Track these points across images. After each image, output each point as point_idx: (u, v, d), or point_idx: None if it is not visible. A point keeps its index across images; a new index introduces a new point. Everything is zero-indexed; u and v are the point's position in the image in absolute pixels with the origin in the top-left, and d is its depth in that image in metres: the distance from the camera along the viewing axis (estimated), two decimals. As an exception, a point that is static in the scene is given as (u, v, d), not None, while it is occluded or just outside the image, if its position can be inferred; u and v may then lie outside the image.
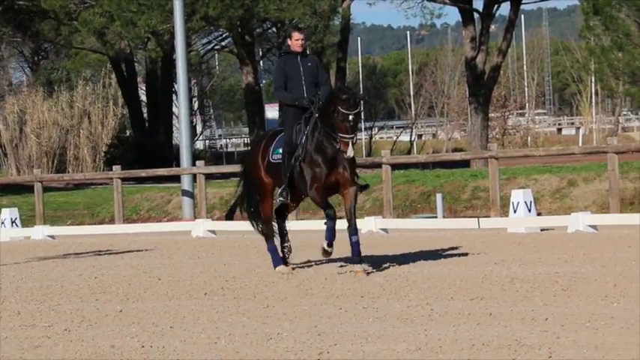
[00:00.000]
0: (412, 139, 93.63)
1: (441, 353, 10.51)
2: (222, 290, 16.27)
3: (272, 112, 77.30)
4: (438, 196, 33.94)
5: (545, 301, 13.61)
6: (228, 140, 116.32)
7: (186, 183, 35.82)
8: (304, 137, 17.22)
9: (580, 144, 71.31)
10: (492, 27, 58.53)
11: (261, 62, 73.88)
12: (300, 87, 17.51)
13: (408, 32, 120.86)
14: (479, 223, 27.94)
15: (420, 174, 42.01)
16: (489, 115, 59.49)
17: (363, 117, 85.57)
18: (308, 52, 18.49)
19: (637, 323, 11.42)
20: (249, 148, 22.71)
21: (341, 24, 55.30)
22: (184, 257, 23.17)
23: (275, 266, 18.20)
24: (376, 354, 10.55)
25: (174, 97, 67.49)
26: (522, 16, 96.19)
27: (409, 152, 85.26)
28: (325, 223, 17.29)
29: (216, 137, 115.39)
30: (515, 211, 27.14)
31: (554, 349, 10.36)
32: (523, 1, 56.38)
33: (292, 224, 20.84)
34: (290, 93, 17.55)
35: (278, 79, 17.80)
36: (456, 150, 74.68)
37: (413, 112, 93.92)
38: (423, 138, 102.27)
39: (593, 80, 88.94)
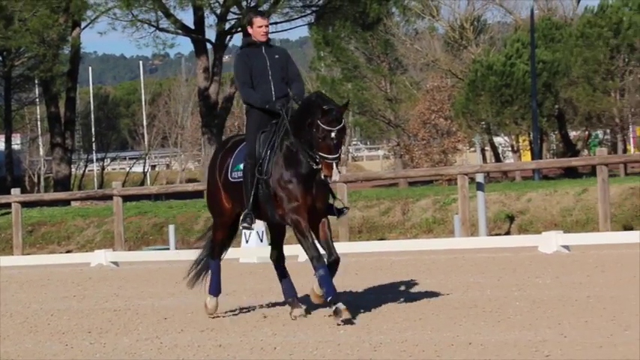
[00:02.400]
0: (145, 170, 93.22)
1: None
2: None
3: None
4: (170, 228, 33.87)
5: (274, 330, 13.68)
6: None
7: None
8: (271, 147, 13.84)
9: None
10: (225, 57, 58.67)
11: None
12: (267, 84, 14.08)
13: (140, 62, 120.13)
14: (211, 253, 27.95)
15: (153, 205, 41.91)
16: (223, 145, 59.75)
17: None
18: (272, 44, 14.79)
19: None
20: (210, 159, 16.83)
21: (70, 53, 54.67)
22: None
23: (209, 292, 15.22)
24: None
25: None
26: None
27: (142, 183, 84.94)
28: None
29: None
30: (247, 242, 27.28)
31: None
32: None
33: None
34: (255, 91, 14.13)
35: (242, 74, 14.16)
36: (189, 181, 74.67)
37: (146, 142, 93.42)
38: (157, 169, 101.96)
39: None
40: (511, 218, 34.54)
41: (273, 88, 14.12)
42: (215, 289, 15.08)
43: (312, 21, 57.94)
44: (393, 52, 75.32)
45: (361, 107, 78.03)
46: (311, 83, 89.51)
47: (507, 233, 32.87)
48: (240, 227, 14.55)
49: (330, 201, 14.22)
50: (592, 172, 33.37)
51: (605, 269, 19.06)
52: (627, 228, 29.53)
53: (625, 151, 68.08)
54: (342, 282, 15.74)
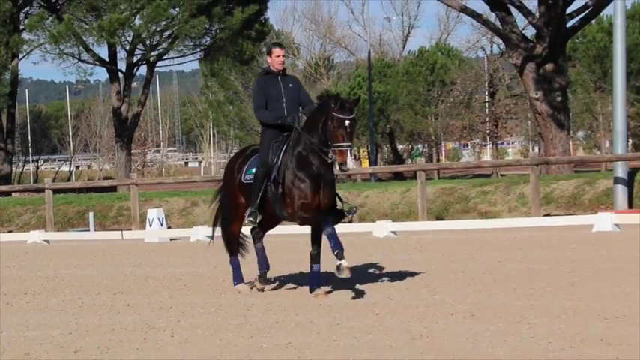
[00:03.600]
0: (71, 169, 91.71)
1: (88, 336, 10.33)
2: None
3: None
4: (90, 214, 33.49)
5: (171, 294, 13.63)
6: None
7: None
8: (281, 156, 12.53)
9: (201, 174, 71.78)
10: (134, 83, 58.10)
11: None
12: (281, 108, 12.77)
13: (67, 86, 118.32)
14: (122, 235, 27.80)
15: (77, 197, 41.26)
16: (132, 151, 59.25)
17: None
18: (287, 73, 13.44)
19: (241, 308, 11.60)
20: (228, 163, 15.51)
21: (11, 78, 53.50)
22: None
23: (235, 283, 13.53)
24: (35, 339, 10.28)
25: None
26: (157, 75, 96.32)
27: (68, 180, 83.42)
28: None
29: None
30: (150, 225, 27.13)
31: (175, 330, 10.39)
32: (157, 65, 56.32)
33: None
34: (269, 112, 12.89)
35: (258, 98, 12.99)
36: (106, 178, 73.48)
37: (72, 148, 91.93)
38: (80, 169, 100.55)
39: (211, 126, 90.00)
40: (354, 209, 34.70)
41: (285, 111, 12.73)
42: (240, 278, 13.49)
43: (201, 57, 57.79)
44: (265, 82, 75.25)
45: (240, 124, 78.06)
46: (201, 105, 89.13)
47: (350, 222, 33.02)
48: (246, 221, 13.12)
49: (339, 206, 12.82)
50: (413, 176, 33.69)
51: (423, 249, 19.29)
52: (439, 218, 29.85)
53: (438, 160, 69.03)
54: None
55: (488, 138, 70.43)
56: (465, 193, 32.24)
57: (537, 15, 36.76)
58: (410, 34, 79.43)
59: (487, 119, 68.67)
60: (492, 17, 38.54)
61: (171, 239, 26.20)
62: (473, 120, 68.55)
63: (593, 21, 46.94)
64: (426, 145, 71.36)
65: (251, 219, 12.78)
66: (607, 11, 38.43)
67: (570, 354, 8.25)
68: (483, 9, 40.13)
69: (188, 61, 61.96)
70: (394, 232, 23.46)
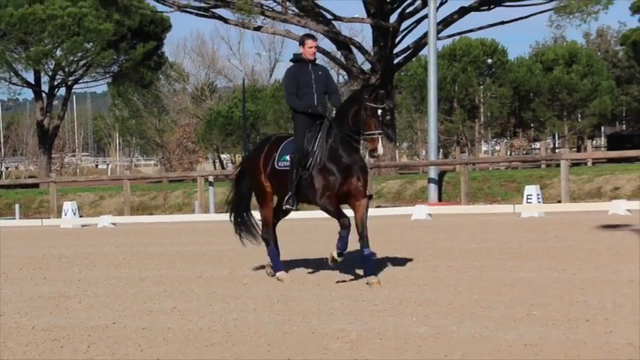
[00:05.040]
0: (1, 170, 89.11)
1: (10, 304, 9.99)
2: None
3: None
4: (16, 206, 32.75)
5: (80, 269, 13.31)
6: None
7: None
8: (317, 144, 10.53)
9: (108, 174, 70.52)
10: (55, 101, 56.68)
11: None
12: (311, 95, 10.78)
13: (0, 103, 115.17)
14: (42, 222, 27.21)
15: (5, 192, 40.19)
16: (52, 155, 57.91)
17: None
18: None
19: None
20: (250, 152, 13.27)
21: (-46, 96, 52.08)
22: None
23: (275, 271, 11.21)
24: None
25: None
26: (74, 95, 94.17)
27: None
28: (339, 232, 10.32)
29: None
30: (65, 215, 26.52)
31: (82, 298, 10.14)
32: (74, 87, 55.31)
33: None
34: (300, 100, 10.82)
35: (290, 85, 10.86)
36: (30, 177, 71.43)
37: (2, 153, 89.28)
38: (9, 169, 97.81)
39: (117, 136, 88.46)
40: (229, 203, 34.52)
41: (315, 99, 10.74)
42: (281, 267, 11.22)
43: (110, 81, 57.03)
44: (161, 101, 74.44)
45: (141, 134, 77.15)
46: (109, 119, 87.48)
47: (219, 212, 32.79)
48: (284, 207, 10.81)
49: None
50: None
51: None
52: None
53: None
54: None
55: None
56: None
57: (372, 53, 37.23)
58: (275, 66, 79.79)
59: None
60: (338, 54, 38.88)
61: (82, 226, 25.66)
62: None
63: (414, 59, 47.71)
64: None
65: (289, 204, 10.65)
66: (423, 52, 39.08)
67: (393, 313, 8.32)
68: (331, 48, 40.64)
69: (99, 84, 61.35)
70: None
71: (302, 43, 11.05)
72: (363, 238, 10.34)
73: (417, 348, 6.84)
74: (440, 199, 27.34)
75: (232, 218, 12.03)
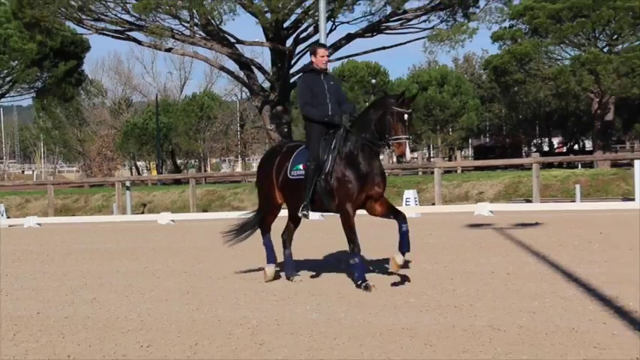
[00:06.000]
0: None
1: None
2: None
3: None
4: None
5: (7, 264, 12.87)
6: None
7: None
8: (332, 153, 9.14)
9: (34, 179, 68.47)
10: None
11: None
12: (325, 105, 9.34)
13: None
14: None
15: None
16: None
17: None
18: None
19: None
20: (261, 161, 10.31)
21: None
22: None
23: (267, 262, 9.89)
24: None
25: None
26: (1, 109, 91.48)
27: None
28: (350, 261, 9.02)
29: None
30: (1, 216, 25.78)
31: (9, 292, 9.82)
32: (1, 101, 53.62)
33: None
34: (315, 109, 9.37)
35: (305, 94, 9.40)
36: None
37: None
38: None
39: (42, 145, 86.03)
40: (144, 205, 34.08)
41: (330, 108, 9.31)
42: (273, 259, 9.87)
43: (35, 96, 55.44)
44: (82, 114, 72.67)
45: (64, 144, 75.21)
46: (35, 130, 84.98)
47: (142, 213, 32.38)
48: (300, 215, 9.37)
49: None
50: (188, 182, 33.35)
51: (183, 233, 19.03)
52: (204, 210, 29.70)
53: (205, 170, 68.52)
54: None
55: (239, 155, 71.32)
56: (223, 194, 32.19)
57: (271, 73, 37.28)
58: (185, 84, 79.17)
59: (238, 143, 69.62)
60: (241, 74, 38.80)
61: (9, 225, 24.87)
62: (228, 143, 69.31)
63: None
64: (197, 160, 70.98)
65: (304, 212, 9.32)
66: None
67: (290, 302, 8.33)
68: (235, 68, 40.50)
69: (25, 98, 59.47)
70: (173, 221, 23.11)
71: (314, 53, 9.60)
72: (400, 215, 9.01)
73: (310, 332, 6.87)
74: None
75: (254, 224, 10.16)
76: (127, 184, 29.91)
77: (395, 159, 8.55)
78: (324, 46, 9.99)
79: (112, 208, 31.20)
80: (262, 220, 9.97)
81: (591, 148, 54.17)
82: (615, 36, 45.06)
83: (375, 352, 6.11)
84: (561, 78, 43.48)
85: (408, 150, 8.68)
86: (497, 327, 6.67)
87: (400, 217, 8.95)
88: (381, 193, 9.08)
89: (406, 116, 8.76)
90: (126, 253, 13.99)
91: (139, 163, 69.68)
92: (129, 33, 36.83)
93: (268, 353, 6.27)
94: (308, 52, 9.79)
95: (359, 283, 8.72)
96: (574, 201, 23.61)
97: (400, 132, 8.73)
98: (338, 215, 9.14)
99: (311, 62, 9.56)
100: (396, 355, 6.01)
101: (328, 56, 9.63)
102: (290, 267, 9.83)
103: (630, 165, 24.54)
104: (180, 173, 57.74)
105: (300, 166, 9.37)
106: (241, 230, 10.21)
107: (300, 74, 9.02)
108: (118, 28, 36.50)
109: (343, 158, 9.06)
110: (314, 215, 14.32)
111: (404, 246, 8.89)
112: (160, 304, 8.58)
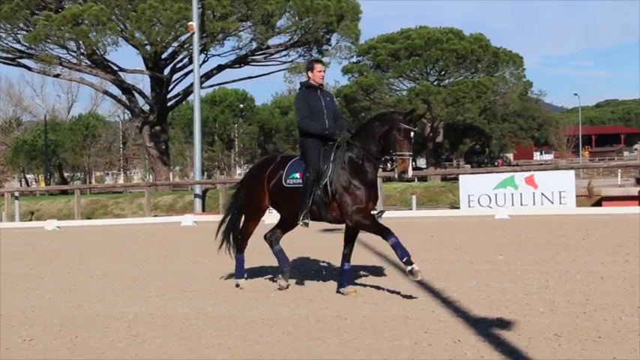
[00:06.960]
0: None
1: None
2: None
3: None
4: None
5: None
6: None
7: None
8: (332, 164, 7.90)
9: None
10: None
11: None
12: (323, 120, 8.12)
13: None
14: None
15: None
16: None
17: None
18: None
19: None
20: (252, 168, 8.90)
21: None
22: None
23: (236, 277, 8.68)
24: None
25: None
26: None
27: None
28: (390, 245, 7.45)
29: None
30: None
31: None
32: None
33: None
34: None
35: (303, 109, 8.16)
36: None
37: None
38: None
39: None
40: (32, 213, 32.44)
41: (327, 124, 8.07)
42: (242, 274, 8.65)
43: None
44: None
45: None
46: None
47: (30, 220, 30.81)
48: (300, 224, 8.00)
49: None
50: (73, 192, 32.00)
51: (80, 238, 18.25)
52: (89, 218, 28.58)
53: (90, 182, 66.07)
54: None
55: (122, 169, 69.48)
56: (106, 203, 31.13)
57: (150, 97, 36.60)
58: (72, 105, 76.51)
59: (121, 158, 67.81)
60: (124, 98, 37.82)
61: None
62: (112, 158, 67.34)
63: (183, 102, 47.33)
64: (82, 174, 68.47)
65: (305, 221, 7.97)
66: (191, 97, 38.83)
67: (163, 298, 8.11)
68: (117, 92, 39.48)
69: None
70: (59, 227, 22.07)
71: (311, 69, 8.39)
72: (350, 255, 8.18)
73: (181, 324, 6.71)
74: (203, 210, 27.14)
75: (225, 233, 8.96)
76: (16, 194, 28.47)
77: (396, 175, 7.64)
78: (320, 61, 8.67)
79: (0, 216, 29.51)
80: (243, 232, 8.72)
81: (425, 165, 56.20)
82: (443, 72, 47.20)
83: (238, 341, 6.04)
84: (400, 105, 44.89)
85: (410, 167, 7.62)
86: (344, 317, 6.73)
87: (349, 248, 8.15)
88: (372, 209, 7.89)
89: (412, 134, 7.74)
90: (14, 256, 13.24)
91: (28, 176, 66.44)
92: (20, 60, 35.34)
93: (143, 344, 6.06)
94: (305, 70, 8.70)
95: (404, 260, 7.39)
96: (411, 209, 24.31)
97: (405, 149, 7.66)
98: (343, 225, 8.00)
99: (308, 78, 8.37)
100: (256, 343, 5.95)
101: (325, 70, 8.43)
102: (283, 261, 8.57)
103: (456, 179, 25.57)
104: (68, 184, 55.43)
105: (297, 175, 8.19)
106: (227, 236, 8.91)
107: (299, 89, 8.37)
108: (10, 55, 34.96)
109: (347, 168, 7.89)
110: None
111: (344, 282, 8.06)
112: (44, 301, 8.16)
